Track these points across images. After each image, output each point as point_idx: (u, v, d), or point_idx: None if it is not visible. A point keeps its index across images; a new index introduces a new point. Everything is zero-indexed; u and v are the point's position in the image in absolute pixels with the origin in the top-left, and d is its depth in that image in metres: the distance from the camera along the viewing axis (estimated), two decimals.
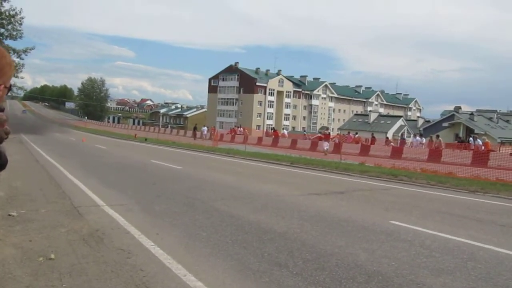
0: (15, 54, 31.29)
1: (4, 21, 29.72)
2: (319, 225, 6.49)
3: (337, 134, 51.87)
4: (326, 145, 26.62)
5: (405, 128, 74.43)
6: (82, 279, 4.03)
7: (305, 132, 52.95)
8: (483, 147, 23.62)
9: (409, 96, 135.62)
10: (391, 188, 11.66)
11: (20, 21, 30.68)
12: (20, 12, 30.27)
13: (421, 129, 62.37)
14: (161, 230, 5.95)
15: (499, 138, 50.38)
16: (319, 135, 31.68)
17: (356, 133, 36.97)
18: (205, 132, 44.75)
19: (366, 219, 7.05)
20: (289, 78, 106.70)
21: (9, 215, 6.62)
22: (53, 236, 5.54)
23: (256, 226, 6.29)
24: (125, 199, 8.49)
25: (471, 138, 26.94)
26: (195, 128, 46.96)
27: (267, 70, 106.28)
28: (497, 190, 11.23)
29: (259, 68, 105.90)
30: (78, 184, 10.29)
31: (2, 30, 30.30)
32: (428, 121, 70.86)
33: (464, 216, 7.83)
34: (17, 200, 7.94)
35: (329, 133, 31.86)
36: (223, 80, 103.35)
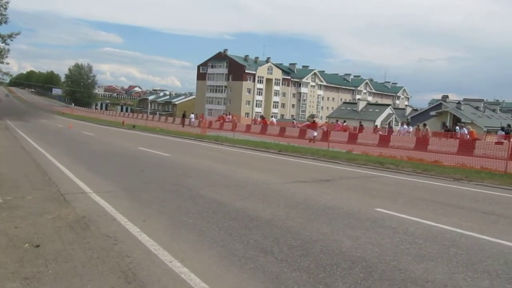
0: (0, 39, 30.87)
1: None
2: (305, 212, 6.56)
3: (325, 122, 52.09)
4: (312, 133, 26.81)
5: (393, 116, 74.89)
6: (68, 266, 4.05)
7: (293, 120, 53.04)
8: (468, 136, 23.87)
9: (397, 85, 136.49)
10: (377, 176, 11.77)
11: (5, 5, 30.28)
12: None
13: (409, 117, 62.78)
14: (148, 217, 5.96)
15: (485, 127, 50.94)
16: (307, 123, 31.89)
17: (344, 121, 37.12)
18: (193, 119, 44.56)
19: (352, 206, 7.14)
20: (278, 66, 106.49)
21: None
22: (39, 223, 5.53)
23: (243, 213, 6.33)
24: (112, 186, 8.48)
25: (457, 127, 27.21)
26: (183, 115, 46.70)
27: (256, 58, 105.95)
28: (481, 178, 11.39)
29: (248, 56, 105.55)
30: (64, 171, 10.23)
31: None
32: (416, 110, 71.36)
33: (448, 203, 7.95)
34: (2, 187, 7.88)
35: (314, 120, 32.09)
36: (212, 67, 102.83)
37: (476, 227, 6.02)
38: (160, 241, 4.88)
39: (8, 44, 32.04)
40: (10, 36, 31.56)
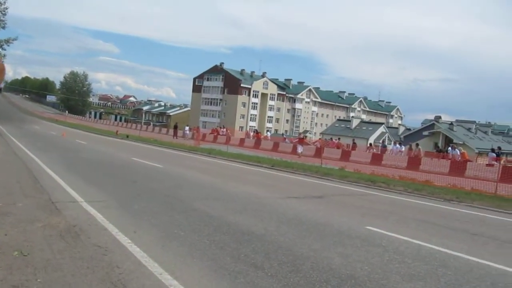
0: None
1: None
2: (296, 228, 6.58)
3: (319, 138, 52.27)
4: (300, 148, 27.45)
5: (386, 135, 75.37)
6: (57, 275, 4.03)
7: (284, 136, 53.19)
8: (460, 157, 24.06)
9: (391, 104, 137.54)
10: (369, 194, 11.83)
11: (4, 11, 30.37)
12: (4, 2, 29.93)
13: (401, 136, 63.24)
14: (139, 228, 5.96)
15: (476, 148, 51.37)
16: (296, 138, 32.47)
17: (339, 138, 37.30)
18: (187, 131, 44.57)
19: (343, 224, 7.17)
20: (274, 81, 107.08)
21: None
22: (29, 231, 5.50)
23: (234, 228, 6.34)
24: (104, 196, 8.46)
25: (449, 148, 27.41)
26: (175, 127, 46.70)
27: (252, 72, 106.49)
28: (472, 199, 11.47)
29: (244, 70, 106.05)
30: (56, 179, 10.19)
31: None
32: (409, 129, 71.94)
33: (438, 224, 8.00)
34: None
35: (304, 136, 32.70)
36: (207, 80, 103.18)
37: (465, 248, 6.07)
38: (151, 252, 4.87)
39: (5, 50, 32.10)
40: (7, 41, 31.67)
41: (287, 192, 10.76)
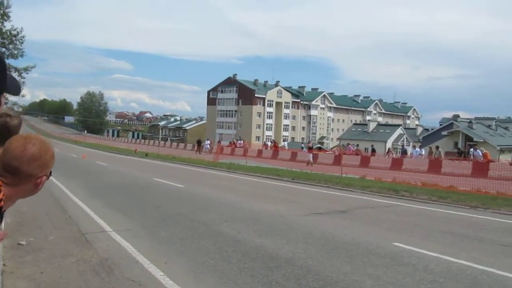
0: (16, 72, 31.57)
1: (5, 41, 30.05)
2: (324, 249, 6.60)
3: (337, 146, 52.08)
4: (309, 156, 27.99)
5: (404, 136, 74.72)
6: None
7: (302, 146, 53.11)
8: (482, 158, 23.76)
9: (407, 105, 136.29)
10: (392, 205, 11.77)
11: (21, 39, 31.00)
12: (21, 31, 30.61)
13: (420, 137, 62.63)
14: (169, 258, 6.05)
15: (498, 145, 50.60)
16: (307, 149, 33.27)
17: (357, 145, 37.12)
18: (208, 146, 44.96)
19: (370, 241, 7.16)
20: (288, 89, 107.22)
21: (19, 244, 6.72)
22: (64, 267, 5.64)
23: (262, 252, 6.39)
24: (131, 223, 8.60)
25: (471, 149, 27.07)
26: (199, 142, 46.91)
27: (266, 81, 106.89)
28: (498, 205, 11.33)
29: (257, 80, 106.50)
30: (83, 207, 10.40)
31: (3, 49, 30.56)
32: (427, 130, 71.24)
33: (466, 235, 7.93)
34: (24, 227, 8.04)
35: (312, 145, 33.33)
36: (221, 92, 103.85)
37: (497, 263, 6.01)
38: (184, 284, 4.97)
39: (24, 78, 32.79)
40: (25, 69, 32.26)
41: (311, 208, 10.77)
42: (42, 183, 1.75)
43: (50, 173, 1.79)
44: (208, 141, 48.73)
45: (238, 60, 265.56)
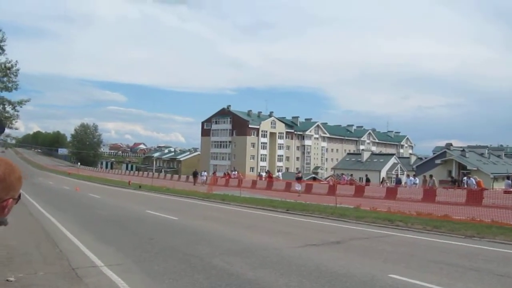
0: (10, 106, 31.73)
1: (0, 74, 30.29)
2: (318, 282, 6.50)
3: (331, 176, 52.12)
4: (298, 186, 28.36)
5: (398, 165, 75.04)
6: None
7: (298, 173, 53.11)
8: (476, 186, 23.80)
9: (400, 134, 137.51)
10: (387, 235, 11.69)
11: (16, 72, 31.29)
12: (15, 64, 30.91)
13: (414, 166, 62.85)
14: None
15: (491, 173, 50.92)
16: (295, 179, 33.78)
17: (351, 175, 37.17)
18: (204, 177, 44.92)
19: (365, 273, 7.07)
20: (281, 120, 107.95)
21: (7, 280, 6.57)
22: None
23: (256, 286, 6.28)
24: (123, 257, 8.45)
25: (464, 177, 27.17)
26: (195, 174, 46.75)
27: (259, 112, 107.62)
28: (493, 234, 11.27)
29: (251, 110, 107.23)
30: (74, 241, 10.24)
31: None
32: (421, 158, 71.71)
33: (462, 265, 7.86)
34: (14, 262, 7.88)
35: (301, 176, 33.75)
36: (215, 123, 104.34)
37: None
38: None
39: (18, 111, 32.94)
40: (20, 103, 32.46)
41: (305, 240, 10.66)
42: (8, 206, 1.69)
43: (19, 196, 1.75)
44: (205, 173, 48.70)
45: (232, 91, 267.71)
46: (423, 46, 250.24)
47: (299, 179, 30.90)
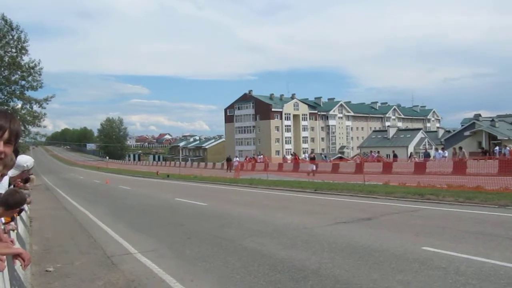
0: (37, 104, 32.44)
1: (25, 73, 30.94)
2: (350, 258, 6.48)
3: (358, 154, 51.63)
4: (311, 167, 28.61)
5: (426, 140, 73.70)
6: None
7: (322, 155, 52.90)
8: (510, 155, 23.21)
9: (426, 108, 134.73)
10: (418, 209, 11.54)
11: (39, 71, 31.90)
12: (39, 63, 31.50)
13: (442, 140, 61.65)
14: (195, 276, 6.01)
15: None
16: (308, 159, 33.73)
17: (378, 152, 36.74)
18: (236, 162, 45.15)
19: (397, 246, 7.01)
20: (304, 101, 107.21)
21: (46, 270, 6.78)
22: None
23: (288, 264, 6.30)
24: (156, 244, 8.59)
25: (496, 148, 26.49)
26: (228, 159, 46.77)
27: (281, 95, 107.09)
28: None
29: (273, 94, 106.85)
30: (107, 231, 10.47)
31: (23, 82, 31.44)
32: (449, 131, 70.12)
33: (497, 235, 7.70)
34: (51, 253, 8.13)
35: (314, 156, 33.95)
36: (238, 109, 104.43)
37: None
38: None
39: (44, 108, 33.64)
40: (45, 100, 33.12)
41: (335, 218, 10.62)
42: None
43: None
44: (237, 158, 48.84)
45: (252, 76, 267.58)
46: (448, 17, 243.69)
47: (312, 159, 31.22)
